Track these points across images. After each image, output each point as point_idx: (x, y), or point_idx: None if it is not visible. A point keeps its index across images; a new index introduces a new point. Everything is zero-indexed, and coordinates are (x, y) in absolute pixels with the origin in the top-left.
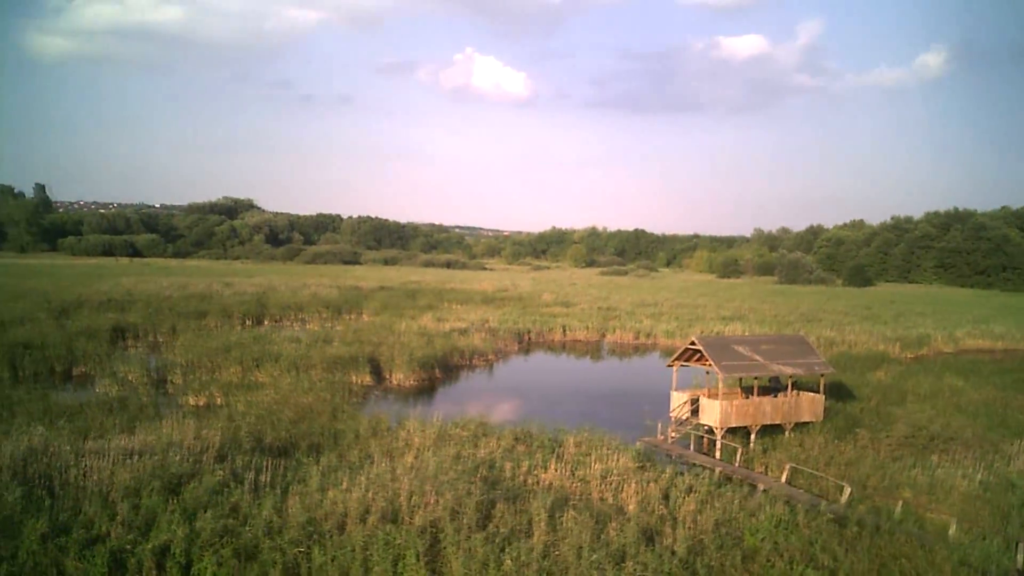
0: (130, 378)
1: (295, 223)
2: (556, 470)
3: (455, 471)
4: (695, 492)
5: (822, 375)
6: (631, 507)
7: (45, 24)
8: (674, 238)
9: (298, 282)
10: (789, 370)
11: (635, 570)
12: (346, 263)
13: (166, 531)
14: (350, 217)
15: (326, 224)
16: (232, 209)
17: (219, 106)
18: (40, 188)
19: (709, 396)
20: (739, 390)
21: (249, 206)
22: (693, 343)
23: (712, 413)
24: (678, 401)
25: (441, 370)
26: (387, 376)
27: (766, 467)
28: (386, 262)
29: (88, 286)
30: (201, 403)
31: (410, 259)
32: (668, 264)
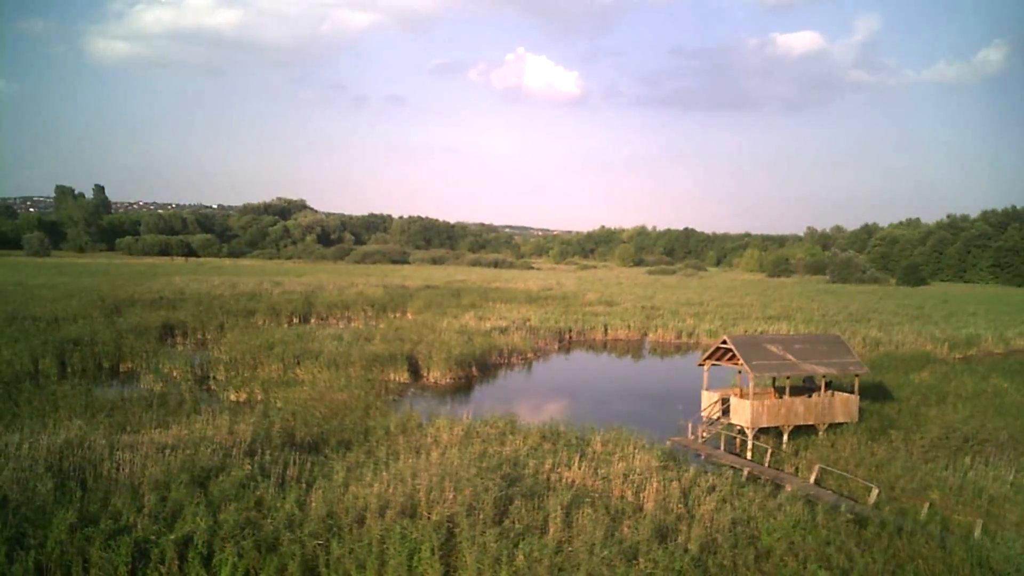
0: (174, 375)
1: (346, 223)
2: (579, 468)
3: (477, 467)
4: (717, 491)
5: (857, 375)
6: (649, 505)
7: (106, 28)
8: (724, 237)
9: (346, 281)
10: (822, 370)
11: (646, 567)
12: (395, 263)
13: (190, 523)
14: (400, 217)
15: (377, 224)
16: (285, 210)
17: (274, 108)
18: (99, 189)
19: (741, 396)
20: (772, 390)
21: (302, 206)
22: (724, 342)
23: (743, 413)
24: (709, 401)
25: (478, 368)
26: (424, 374)
27: (796, 468)
28: (434, 261)
29: (141, 284)
30: (242, 399)
31: (457, 259)
32: (718, 263)
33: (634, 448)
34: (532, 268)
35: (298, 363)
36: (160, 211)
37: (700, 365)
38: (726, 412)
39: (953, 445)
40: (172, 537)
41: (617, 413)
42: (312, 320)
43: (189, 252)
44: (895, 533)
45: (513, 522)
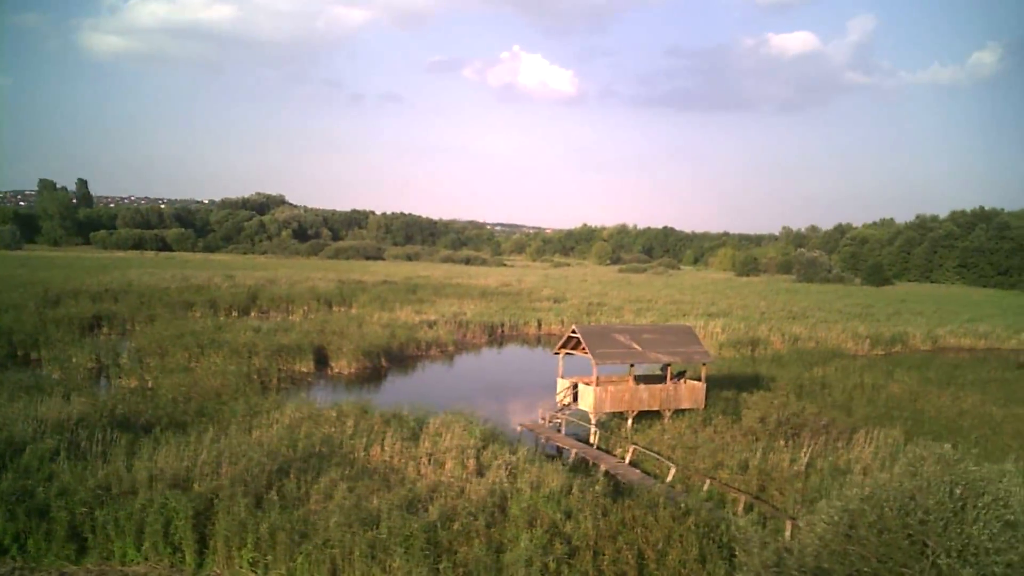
0: (81, 362)
1: (328, 219)
2: (390, 447)
3: (281, 445)
4: (509, 467)
5: (704, 364)
6: (429, 478)
7: (100, 23)
8: (704, 236)
9: (303, 276)
10: (666, 358)
11: (380, 532)
12: (368, 258)
13: None
14: (383, 213)
15: (358, 220)
16: (264, 205)
17: (269, 105)
18: (82, 183)
19: (597, 384)
20: (630, 378)
21: (280, 202)
22: (574, 331)
23: (587, 398)
24: (562, 387)
25: (388, 359)
26: (331, 364)
27: (623, 450)
28: (408, 258)
29: (94, 277)
30: (133, 385)
31: (432, 255)
32: (695, 262)
33: (460, 429)
34: (505, 265)
35: (202, 352)
36: (136, 205)
37: (555, 354)
38: (576, 398)
39: (768, 429)
40: None
41: (498, 398)
42: (252, 313)
43: (163, 246)
44: (651, 505)
45: (277, 494)
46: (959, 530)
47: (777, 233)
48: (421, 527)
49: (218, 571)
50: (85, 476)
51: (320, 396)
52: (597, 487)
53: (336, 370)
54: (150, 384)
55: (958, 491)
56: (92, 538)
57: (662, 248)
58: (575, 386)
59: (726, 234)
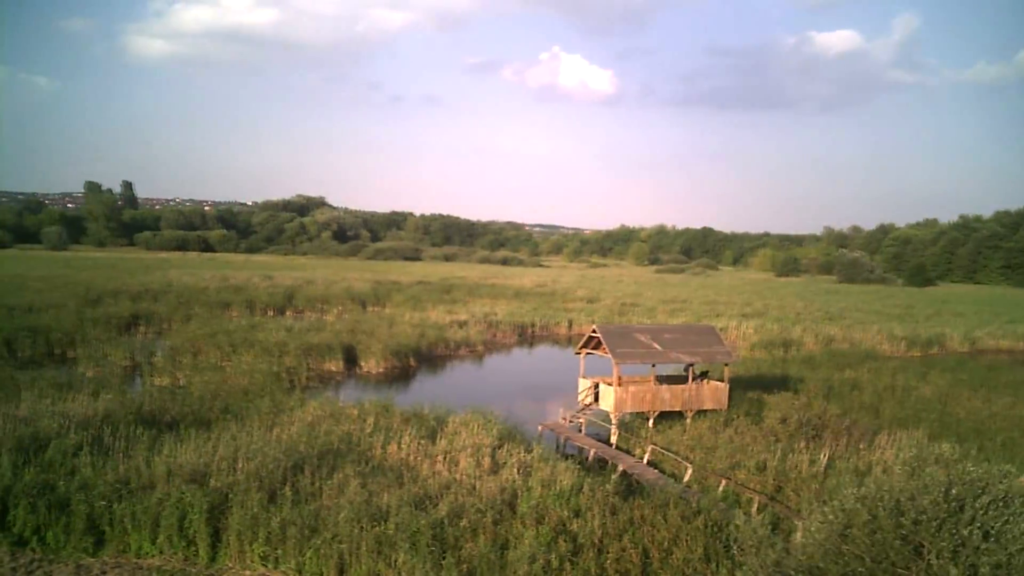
0: (115, 360)
1: (368, 220)
2: (407, 445)
3: (301, 442)
4: (525, 467)
5: (726, 364)
6: (443, 475)
7: (146, 27)
8: (743, 236)
9: (340, 276)
10: (688, 358)
11: (388, 528)
12: (407, 259)
13: None
14: (422, 215)
15: (397, 221)
16: (304, 207)
17: (310, 107)
18: (127, 185)
19: (619, 383)
20: (652, 378)
21: (321, 203)
22: (595, 331)
23: (607, 399)
24: (583, 387)
25: (416, 359)
26: (360, 363)
27: (642, 450)
28: (446, 259)
29: (136, 278)
30: (165, 383)
31: (469, 256)
32: (735, 263)
33: (478, 428)
34: (542, 266)
35: (234, 351)
36: (181, 207)
37: (577, 354)
38: (597, 398)
39: (789, 431)
40: None
41: (522, 398)
42: (288, 313)
43: (206, 248)
44: (664, 504)
45: (291, 490)
46: (954, 531)
47: (819, 233)
48: (428, 523)
49: (230, 565)
50: (105, 471)
51: (346, 395)
52: (608, 486)
53: (365, 369)
54: (182, 382)
55: (954, 491)
56: (109, 531)
57: (701, 249)
58: (596, 386)
59: (767, 234)
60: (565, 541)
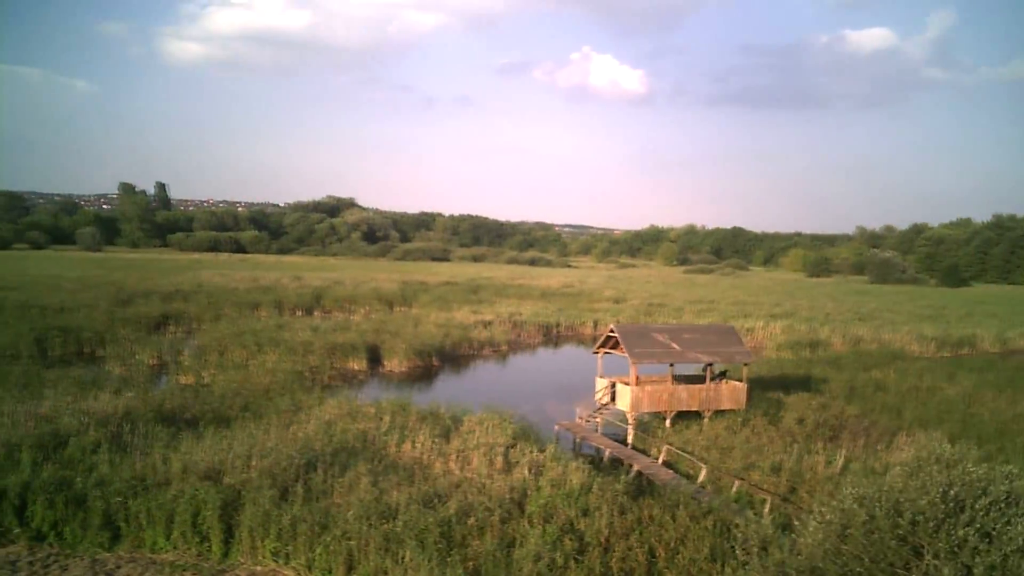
0: (143, 359)
1: (397, 221)
2: (420, 444)
3: (311, 439)
4: (536, 465)
5: (745, 364)
6: (456, 474)
7: (180, 30)
8: (774, 236)
9: (368, 277)
10: (706, 358)
11: (395, 525)
12: (435, 260)
13: (14, 478)
14: (450, 215)
15: (426, 222)
16: (335, 207)
17: (342, 109)
18: (161, 186)
19: (636, 383)
20: (670, 378)
21: (351, 204)
22: (612, 330)
23: (624, 398)
24: (600, 386)
25: (440, 358)
26: (383, 363)
27: (658, 450)
28: (474, 259)
29: (168, 278)
30: (190, 381)
31: (497, 256)
32: (765, 263)
33: (493, 427)
34: (570, 266)
35: (260, 350)
36: (214, 208)
37: (595, 353)
38: (614, 398)
39: (806, 431)
40: None
41: (541, 398)
42: (315, 313)
43: (238, 248)
44: (676, 504)
45: (303, 486)
46: (952, 532)
47: (851, 233)
48: (436, 521)
49: (242, 560)
50: (122, 468)
51: (369, 393)
52: (617, 486)
53: (388, 368)
54: (207, 380)
55: (953, 492)
56: (125, 527)
57: (731, 249)
58: (613, 386)
59: (798, 234)
60: (571, 540)
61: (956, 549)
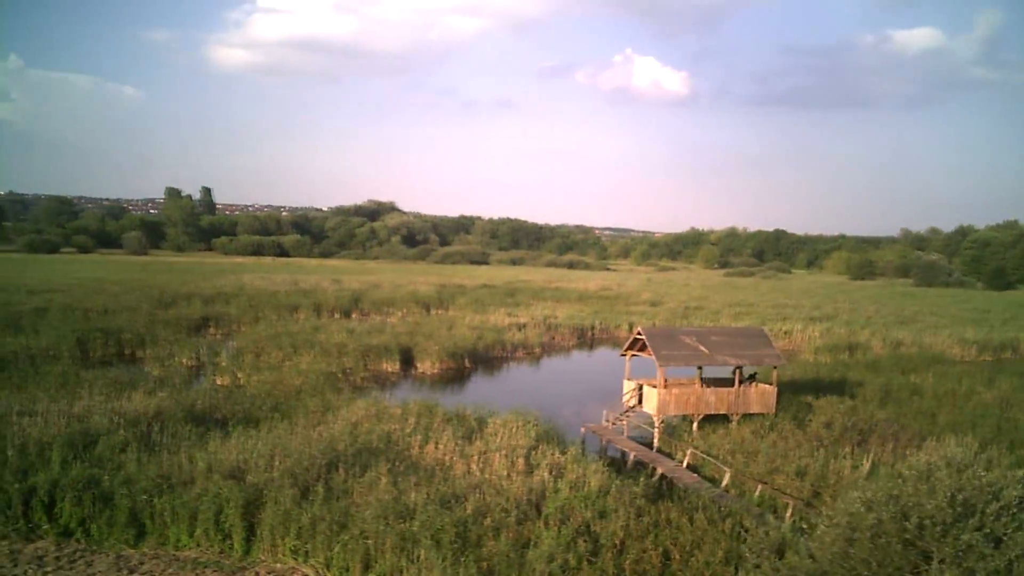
0: (181, 361)
1: (437, 225)
2: (442, 445)
3: (336, 439)
4: (557, 467)
5: (774, 367)
6: (476, 475)
7: (227, 37)
8: (818, 239)
9: (406, 280)
10: (734, 361)
11: (413, 525)
12: (473, 263)
13: (42, 475)
14: (490, 219)
15: (465, 226)
16: (375, 212)
17: (385, 113)
18: (206, 191)
19: (664, 386)
20: (698, 380)
21: (391, 208)
22: (640, 333)
23: (651, 401)
24: (628, 389)
25: (472, 360)
26: (416, 365)
27: (683, 453)
28: (513, 262)
29: (210, 281)
30: (226, 382)
31: (536, 260)
32: (808, 266)
33: (517, 429)
34: (608, 269)
35: (295, 352)
36: (258, 213)
37: (622, 355)
38: (641, 400)
39: (834, 435)
40: (16, 486)
41: (570, 400)
42: (353, 315)
43: (281, 252)
44: (695, 508)
45: (324, 486)
46: (958, 536)
47: (896, 235)
48: (452, 521)
49: (263, 558)
50: (149, 466)
51: (399, 395)
52: (635, 488)
53: (420, 370)
54: (242, 381)
55: (961, 496)
56: (150, 524)
57: (773, 252)
58: (640, 388)
59: (842, 236)
60: (585, 542)
61: (962, 554)
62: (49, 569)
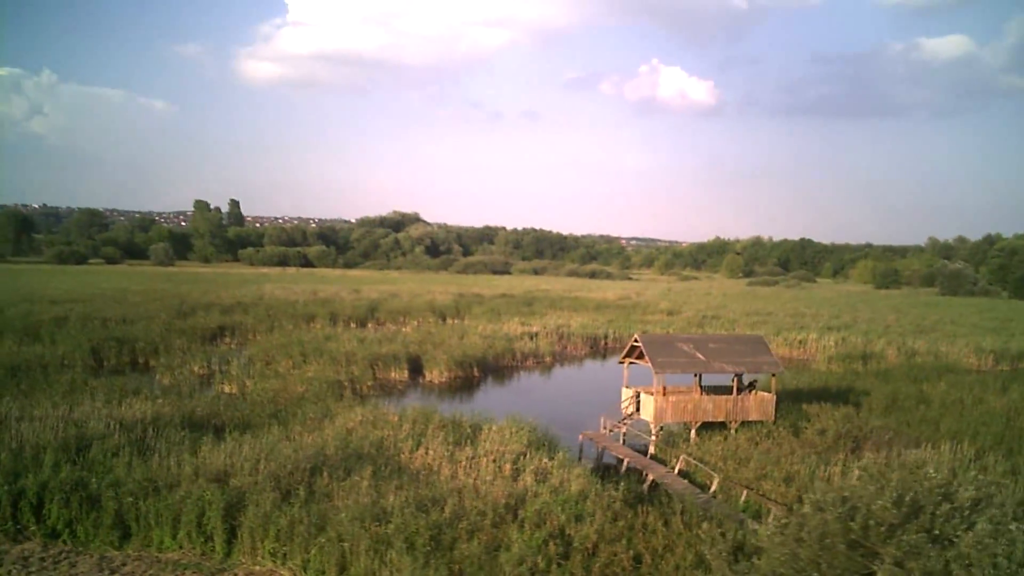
0: (193, 369)
1: (461, 235)
2: (431, 451)
3: (327, 446)
4: (541, 472)
5: (773, 375)
6: (460, 480)
7: (256, 51)
8: (844, 247)
9: (425, 289)
10: (731, 368)
11: (388, 528)
12: (495, 273)
13: (30, 479)
14: (513, 229)
15: (489, 236)
16: (399, 222)
17: (412, 126)
18: (234, 203)
19: (664, 393)
20: (697, 388)
21: (415, 219)
22: (637, 340)
23: (648, 408)
24: (626, 396)
25: (481, 369)
26: (424, 373)
27: (678, 460)
28: (535, 272)
29: (231, 291)
30: (233, 390)
31: (557, 269)
32: (834, 275)
33: (508, 435)
34: (630, 279)
35: (304, 360)
36: (284, 224)
37: (620, 363)
38: (638, 408)
39: (827, 443)
40: (6, 488)
41: (571, 408)
42: (369, 325)
43: (306, 263)
44: (674, 512)
45: (307, 490)
46: (903, 537)
47: (923, 244)
48: (427, 524)
49: (243, 560)
50: (136, 469)
51: (404, 403)
52: (614, 492)
53: (428, 379)
54: (249, 389)
55: (909, 497)
56: (135, 526)
57: (799, 261)
58: (638, 396)
59: (868, 245)
60: (557, 544)
61: (910, 555)
62: (33, 569)
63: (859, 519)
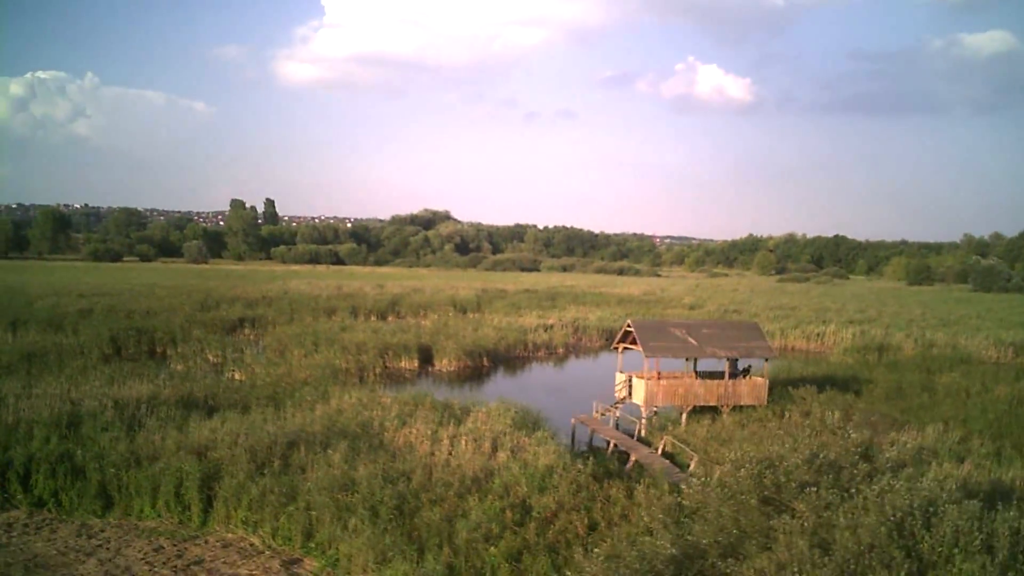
0: (207, 357)
1: (492, 234)
2: (415, 430)
3: (313, 423)
4: (517, 449)
5: (766, 360)
6: (437, 456)
7: (295, 53)
8: (878, 244)
9: (449, 285)
10: (723, 353)
11: (356, 498)
12: (524, 270)
13: (21, 450)
14: (544, 227)
15: (519, 234)
16: (430, 220)
17: (448, 125)
18: (270, 203)
19: (653, 378)
20: (693, 373)
21: (445, 217)
22: (630, 325)
23: (639, 392)
24: (619, 381)
25: (491, 359)
26: (434, 362)
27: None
28: (564, 269)
29: (256, 286)
30: (243, 378)
31: (585, 266)
32: (868, 272)
33: (496, 417)
34: (659, 275)
35: (316, 350)
36: (317, 223)
37: (614, 348)
38: (630, 393)
39: (813, 424)
40: None
41: (571, 394)
42: (389, 318)
43: (337, 260)
44: (639, 485)
45: (281, 464)
46: (814, 493)
47: (958, 241)
48: (392, 494)
49: (217, 528)
50: (120, 443)
51: (409, 389)
52: (580, 466)
53: (438, 368)
54: (257, 375)
55: (821, 456)
56: (117, 496)
57: (833, 258)
58: (630, 380)
59: (903, 242)
60: (515, 512)
61: (814, 509)
62: (15, 534)
63: (770, 476)
